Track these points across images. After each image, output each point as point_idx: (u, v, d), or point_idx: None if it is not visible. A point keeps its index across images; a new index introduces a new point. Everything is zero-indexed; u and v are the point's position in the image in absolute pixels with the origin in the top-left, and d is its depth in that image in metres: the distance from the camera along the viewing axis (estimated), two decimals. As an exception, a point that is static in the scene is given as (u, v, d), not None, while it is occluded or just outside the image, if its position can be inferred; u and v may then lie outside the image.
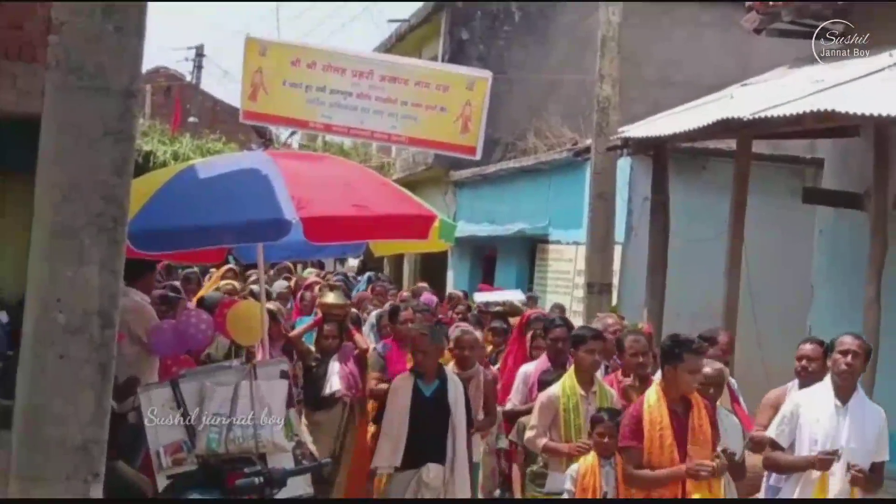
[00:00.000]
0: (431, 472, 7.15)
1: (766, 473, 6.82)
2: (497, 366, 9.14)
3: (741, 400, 7.50)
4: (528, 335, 8.96)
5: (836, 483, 6.15)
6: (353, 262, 24.11)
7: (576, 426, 6.88)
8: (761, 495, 6.91)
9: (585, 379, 7.04)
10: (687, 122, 9.16)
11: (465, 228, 17.65)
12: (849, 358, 6.27)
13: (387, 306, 10.56)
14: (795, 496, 6.32)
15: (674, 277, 10.68)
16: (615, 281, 12.72)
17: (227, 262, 11.82)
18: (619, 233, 13.03)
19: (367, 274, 16.44)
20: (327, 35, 67.50)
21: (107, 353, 3.81)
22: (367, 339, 9.71)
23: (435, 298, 13.16)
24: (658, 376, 7.18)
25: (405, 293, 13.81)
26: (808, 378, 6.92)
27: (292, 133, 31.01)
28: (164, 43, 69.59)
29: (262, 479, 5.58)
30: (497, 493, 8.77)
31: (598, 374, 7.37)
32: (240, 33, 11.11)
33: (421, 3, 22.49)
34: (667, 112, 10.72)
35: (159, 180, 6.95)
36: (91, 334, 3.77)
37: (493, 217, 18.53)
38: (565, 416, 6.93)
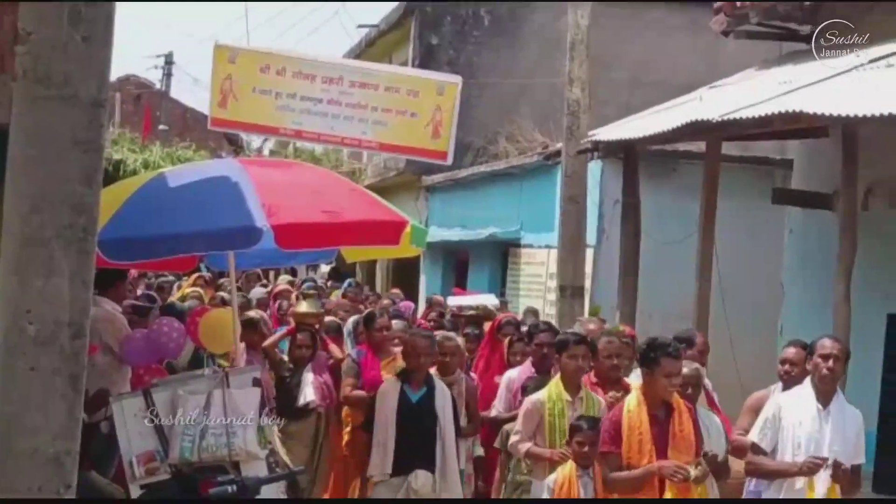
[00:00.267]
0: (420, 478, 7.10)
1: (747, 478, 6.80)
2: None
3: (717, 402, 7.51)
4: (506, 341, 8.96)
5: (820, 486, 6.14)
6: (325, 269, 24.04)
7: (561, 431, 6.78)
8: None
9: (572, 385, 6.94)
10: (657, 124, 9.18)
11: (437, 233, 17.62)
12: (830, 363, 6.28)
13: (362, 313, 10.52)
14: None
15: (646, 279, 10.70)
16: (587, 284, 12.73)
17: (198, 269, 11.78)
18: (591, 236, 13.05)
19: (349, 280, 16.38)
20: (297, 41, 67.43)
21: (78, 364, 3.77)
22: (345, 347, 9.65)
23: (412, 305, 13.15)
24: (632, 378, 7.22)
25: (385, 301, 13.78)
26: (790, 382, 6.93)
27: (265, 140, 30.95)
28: (133, 51, 69.22)
29: (235, 487, 5.54)
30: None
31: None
32: (209, 40, 11.04)
33: (391, 7, 22.49)
34: (636, 115, 10.74)
35: (129, 189, 6.92)
36: (62, 345, 3.73)
37: (464, 222, 18.51)
38: (550, 422, 6.85)
